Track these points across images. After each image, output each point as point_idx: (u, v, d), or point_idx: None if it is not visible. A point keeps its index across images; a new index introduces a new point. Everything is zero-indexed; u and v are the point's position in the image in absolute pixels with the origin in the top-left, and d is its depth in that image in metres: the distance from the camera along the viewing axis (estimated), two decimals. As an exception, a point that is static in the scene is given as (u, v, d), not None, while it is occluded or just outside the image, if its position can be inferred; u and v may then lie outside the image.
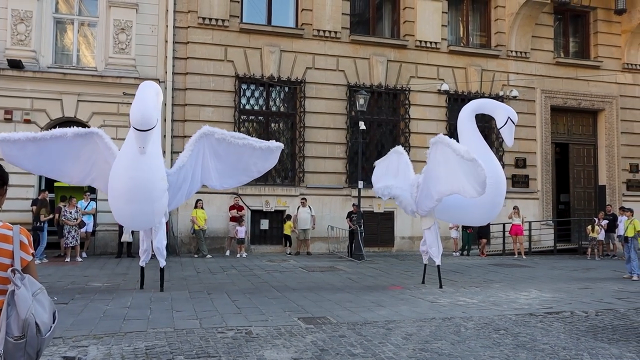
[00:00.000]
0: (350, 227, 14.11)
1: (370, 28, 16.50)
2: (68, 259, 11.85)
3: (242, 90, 14.89)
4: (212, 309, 6.80)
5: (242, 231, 13.67)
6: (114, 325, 5.79)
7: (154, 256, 8.48)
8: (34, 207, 11.93)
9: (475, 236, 15.51)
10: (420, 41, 16.19)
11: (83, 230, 12.53)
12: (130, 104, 7.13)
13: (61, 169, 7.98)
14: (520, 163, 17.04)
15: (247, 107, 15.03)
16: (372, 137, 15.87)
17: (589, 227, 15.53)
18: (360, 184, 13.63)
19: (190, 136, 8.58)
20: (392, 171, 10.16)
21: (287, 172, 15.24)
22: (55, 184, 12.70)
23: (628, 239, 11.23)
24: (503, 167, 16.55)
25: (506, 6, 17.11)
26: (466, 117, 9.00)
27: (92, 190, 12.79)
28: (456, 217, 10.01)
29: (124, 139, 7.58)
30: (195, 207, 13.43)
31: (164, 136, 13.99)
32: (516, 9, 16.71)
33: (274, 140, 8.98)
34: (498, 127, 8.94)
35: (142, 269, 8.40)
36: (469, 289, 8.90)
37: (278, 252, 14.60)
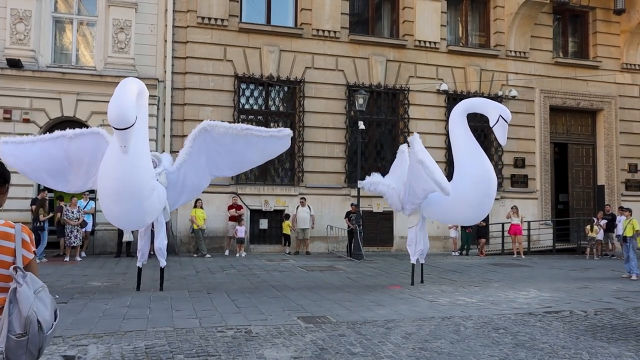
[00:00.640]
0: (349, 227, 14.12)
1: (370, 28, 16.52)
2: (67, 259, 11.85)
3: (241, 89, 14.90)
4: (212, 308, 6.80)
5: (242, 231, 13.68)
6: (114, 325, 5.79)
7: (153, 255, 8.42)
8: (33, 207, 11.92)
9: (474, 236, 15.50)
10: (420, 41, 16.20)
11: (83, 229, 12.52)
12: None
13: (61, 171, 7.87)
14: (519, 163, 17.06)
15: (247, 106, 15.03)
16: (371, 136, 15.87)
17: (588, 226, 15.55)
18: (360, 183, 13.60)
19: (190, 136, 8.55)
20: (395, 170, 10.16)
21: (287, 171, 15.25)
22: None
23: (627, 239, 11.27)
24: (502, 167, 16.87)
25: (505, 6, 17.12)
26: (457, 116, 8.98)
27: (91, 190, 12.74)
28: (447, 217, 10.02)
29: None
30: (195, 206, 13.42)
31: (163, 136, 14.04)
32: (515, 9, 16.72)
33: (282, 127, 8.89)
34: (490, 125, 8.92)
35: (140, 269, 8.28)
36: (468, 289, 8.91)
37: (277, 252, 14.61)
